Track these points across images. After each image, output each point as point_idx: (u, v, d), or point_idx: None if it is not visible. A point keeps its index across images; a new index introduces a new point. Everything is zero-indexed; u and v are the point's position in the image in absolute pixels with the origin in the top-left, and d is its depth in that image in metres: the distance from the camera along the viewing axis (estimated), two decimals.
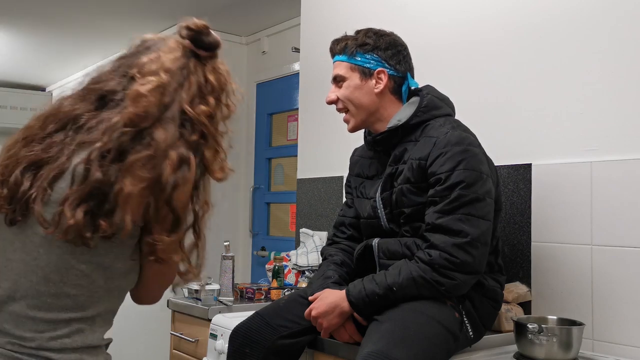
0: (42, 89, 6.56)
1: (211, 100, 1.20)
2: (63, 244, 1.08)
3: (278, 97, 4.19)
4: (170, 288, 1.28)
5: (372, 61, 1.77)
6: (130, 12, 4.09)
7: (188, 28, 1.21)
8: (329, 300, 1.67)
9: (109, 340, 1.20)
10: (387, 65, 1.77)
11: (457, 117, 1.82)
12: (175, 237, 1.13)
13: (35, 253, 1.10)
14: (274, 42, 4.22)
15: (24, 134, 1.16)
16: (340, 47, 1.81)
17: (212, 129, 1.18)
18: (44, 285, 1.09)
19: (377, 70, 1.77)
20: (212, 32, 1.23)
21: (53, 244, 1.09)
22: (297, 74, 3.42)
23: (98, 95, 1.17)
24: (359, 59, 1.78)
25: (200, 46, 1.21)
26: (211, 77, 1.21)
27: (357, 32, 1.82)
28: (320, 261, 2.00)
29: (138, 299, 1.26)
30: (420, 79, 1.87)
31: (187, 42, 1.21)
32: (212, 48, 1.22)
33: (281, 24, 4.10)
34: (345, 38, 1.82)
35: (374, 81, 1.77)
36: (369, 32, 1.80)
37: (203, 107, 1.18)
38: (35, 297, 1.09)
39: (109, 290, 1.14)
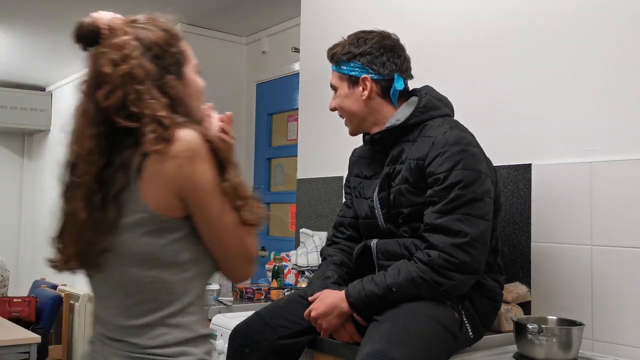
0: (42, 89, 6.57)
1: (110, 86, 1.17)
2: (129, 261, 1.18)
3: (278, 97, 4.20)
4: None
5: (356, 69, 1.77)
6: (130, 12, 4.08)
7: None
8: (329, 300, 1.67)
9: (210, 332, 1.26)
10: (370, 70, 1.76)
11: (457, 117, 1.82)
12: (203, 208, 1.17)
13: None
14: (274, 42, 4.22)
15: None
16: (330, 57, 1.84)
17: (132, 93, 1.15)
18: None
19: (361, 77, 1.77)
20: (85, 22, 1.22)
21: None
22: (297, 74, 3.42)
23: None
24: (345, 68, 1.79)
25: (83, 42, 1.23)
26: (100, 63, 1.18)
27: (347, 37, 1.83)
28: (320, 261, 2.00)
29: (230, 278, 1.32)
30: (420, 80, 1.87)
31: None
32: (87, 39, 1.22)
33: (281, 24, 4.10)
34: (335, 46, 1.83)
35: (360, 88, 1.78)
36: (354, 37, 1.80)
37: (112, 98, 1.15)
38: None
39: (187, 280, 1.20)
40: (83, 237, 1.17)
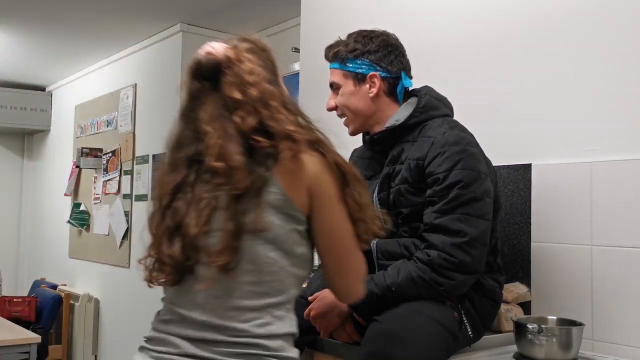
0: (42, 89, 6.57)
1: (246, 111, 1.25)
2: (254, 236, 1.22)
3: None
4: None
5: (363, 66, 1.76)
6: (130, 12, 4.09)
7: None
8: (328, 300, 1.67)
9: (297, 333, 1.29)
10: (378, 68, 1.76)
11: (457, 117, 1.82)
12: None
13: None
14: (274, 42, 4.20)
15: None
16: (332, 54, 1.81)
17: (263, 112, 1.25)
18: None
19: (369, 74, 1.76)
20: (204, 58, 1.29)
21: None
22: (297, 74, 3.42)
23: None
24: (350, 65, 1.77)
25: (202, 78, 1.29)
26: (230, 91, 1.26)
27: (349, 36, 1.82)
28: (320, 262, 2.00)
29: (341, 296, 1.39)
30: (420, 80, 1.87)
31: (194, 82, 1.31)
32: (208, 74, 1.28)
33: (281, 24, 4.10)
34: (337, 44, 1.82)
35: (367, 85, 1.77)
36: (358, 35, 1.79)
37: (249, 121, 1.25)
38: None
39: (294, 276, 1.27)
40: (230, 244, 1.19)
